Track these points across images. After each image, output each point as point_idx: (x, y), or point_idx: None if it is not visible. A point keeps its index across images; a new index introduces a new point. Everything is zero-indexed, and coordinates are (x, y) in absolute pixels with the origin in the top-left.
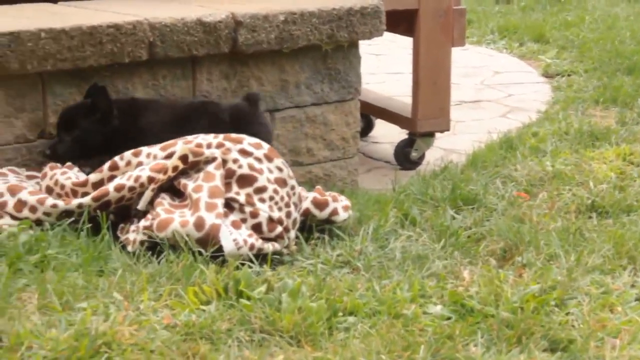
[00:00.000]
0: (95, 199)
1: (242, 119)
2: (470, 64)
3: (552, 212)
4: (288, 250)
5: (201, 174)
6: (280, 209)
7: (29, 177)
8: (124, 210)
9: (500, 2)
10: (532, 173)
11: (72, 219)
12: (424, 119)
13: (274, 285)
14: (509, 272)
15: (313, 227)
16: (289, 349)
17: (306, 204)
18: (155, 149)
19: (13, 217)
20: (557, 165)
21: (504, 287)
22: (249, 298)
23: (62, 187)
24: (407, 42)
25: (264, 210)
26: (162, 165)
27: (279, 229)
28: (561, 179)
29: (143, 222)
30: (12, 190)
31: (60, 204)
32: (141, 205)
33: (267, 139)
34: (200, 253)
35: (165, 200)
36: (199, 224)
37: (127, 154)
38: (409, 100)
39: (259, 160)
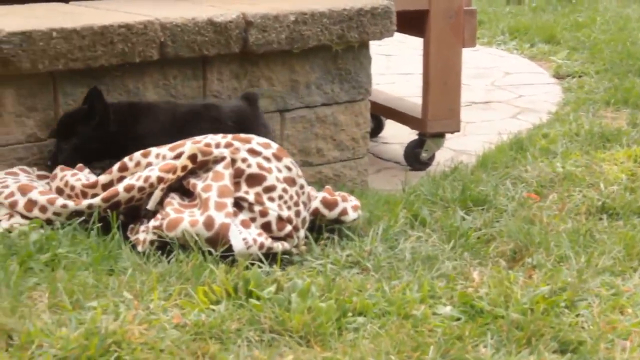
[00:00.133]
0: (105, 200)
1: (244, 122)
2: (480, 64)
3: (563, 214)
4: (297, 249)
5: (210, 174)
6: (289, 207)
7: (40, 177)
8: (133, 211)
9: (511, 2)
10: (542, 174)
11: (82, 218)
12: (434, 120)
13: (283, 285)
14: (519, 274)
15: (322, 227)
16: (299, 349)
17: (315, 204)
18: (164, 149)
19: (23, 217)
20: (568, 166)
21: (513, 288)
22: (258, 298)
23: (72, 188)
24: (417, 42)
25: (273, 209)
26: (171, 165)
27: (289, 227)
28: (572, 181)
29: (153, 222)
30: (23, 190)
31: (70, 204)
32: (151, 205)
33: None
34: (210, 252)
35: (174, 200)
36: (209, 224)
37: (137, 155)
38: (419, 101)
39: (267, 159)
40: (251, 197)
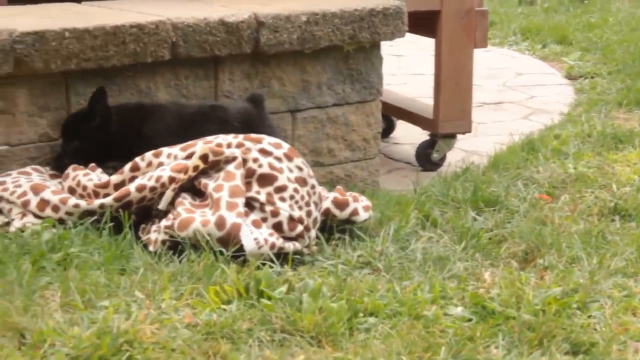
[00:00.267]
0: (116, 200)
1: (250, 123)
2: (492, 65)
3: (574, 215)
4: (309, 250)
5: (222, 174)
6: (300, 208)
7: (52, 176)
8: (145, 211)
9: (522, 3)
10: (554, 175)
11: (94, 218)
12: (445, 121)
13: (294, 286)
14: (531, 275)
15: (334, 227)
16: (310, 349)
17: (327, 204)
18: (175, 149)
19: (36, 216)
20: (580, 167)
21: (525, 289)
22: (269, 298)
23: (84, 188)
24: (428, 43)
25: (285, 209)
26: (182, 165)
27: (300, 227)
28: (583, 182)
29: (164, 222)
30: (35, 189)
31: (83, 203)
32: (162, 205)
33: None
34: (221, 252)
35: (186, 200)
36: (220, 223)
37: (148, 155)
38: (430, 101)
39: (279, 159)
40: (262, 197)
